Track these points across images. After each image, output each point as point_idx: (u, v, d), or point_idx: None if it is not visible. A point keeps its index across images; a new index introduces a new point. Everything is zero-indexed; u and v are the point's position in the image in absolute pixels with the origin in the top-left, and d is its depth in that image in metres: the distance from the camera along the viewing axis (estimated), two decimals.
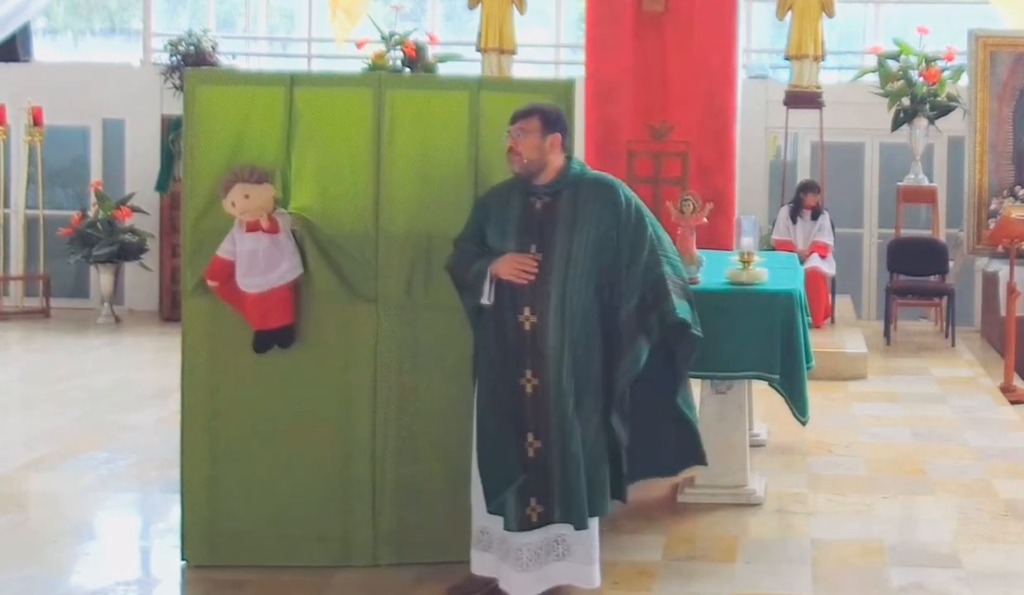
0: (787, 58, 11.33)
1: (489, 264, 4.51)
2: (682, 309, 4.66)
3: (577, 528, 4.52)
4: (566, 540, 4.57)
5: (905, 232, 11.65)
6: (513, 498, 4.49)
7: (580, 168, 4.68)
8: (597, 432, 4.56)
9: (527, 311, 4.49)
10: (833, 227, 10.71)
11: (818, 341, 8.06)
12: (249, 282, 4.85)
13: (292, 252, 4.91)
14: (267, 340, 4.93)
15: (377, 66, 11.52)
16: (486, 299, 4.51)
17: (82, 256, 11.67)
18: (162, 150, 11.99)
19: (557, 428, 4.47)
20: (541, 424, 4.48)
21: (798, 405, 5.93)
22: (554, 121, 4.59)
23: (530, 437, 4.50)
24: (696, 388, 6.16)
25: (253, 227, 4.84)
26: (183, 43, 12.22)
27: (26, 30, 12.81)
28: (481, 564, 4.68)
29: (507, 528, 4.52)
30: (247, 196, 4.81)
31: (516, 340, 4.50)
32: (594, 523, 4.59)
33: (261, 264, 4.84)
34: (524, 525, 4.49)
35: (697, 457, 4.98)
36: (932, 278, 11.19)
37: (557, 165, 4.59)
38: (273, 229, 4.84)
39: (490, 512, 4.54)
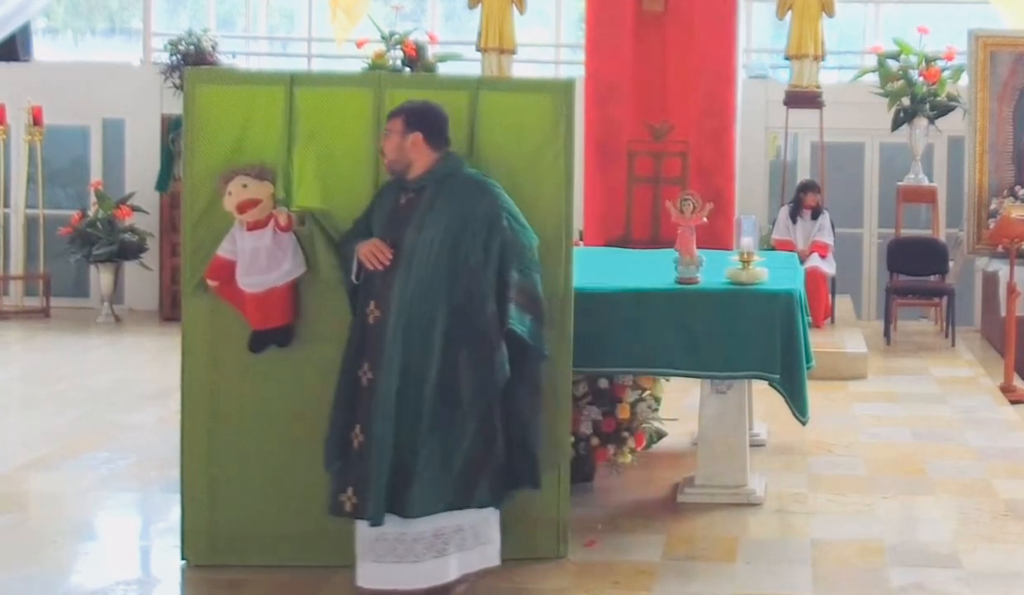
0: (787, 58, 11.33)
1: (357, 245, 4.63)
2: (516, 320, 4.57)
3: (372, 524, 4.48)
4: (461, 531, 4.58)
5: (905, 232, 11.65)
6: (332, 482, 4.57)
7: (454, 167, 4.67)
8: (427, 431, 4.49)
9: (372, 305, 4.56)
10: (833, 227, 10.71)
11: (818, 341, 8.06)
12: (250, 281, 4.85)
13: (295, 251, 4.92)
14: (264, 340, 4.93)
15: (377, 66, 11.52)
16: (354, 279, 4.64)
17: (82, 256, 11.68)
18: (162, 150, 11.99)
19: (379, 423, 4.46)
20: (367, 418, 4.50)
21: (798, 405, 5.92)
22: (416, 120, 4.62)
23: (357, 429, 4.52)
24: (696, 388, 6.19)
25: (255, 226, 4.83)
26: (183, 43, 12.23)
27: (26, 30, 12.82)
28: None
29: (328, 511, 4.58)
30: (245, 186, 4.82)
31: (361, 332, 4.59)
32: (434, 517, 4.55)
33: (263, 262, 4.84)
34: (335, 511, 4.54)
35: (529, 479, 4.73)
36: (932, 278, 11.20)
37: (425, 163, 4.61)
38: (288, 226, 4.84)
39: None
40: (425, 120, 4.63)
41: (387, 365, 4.48)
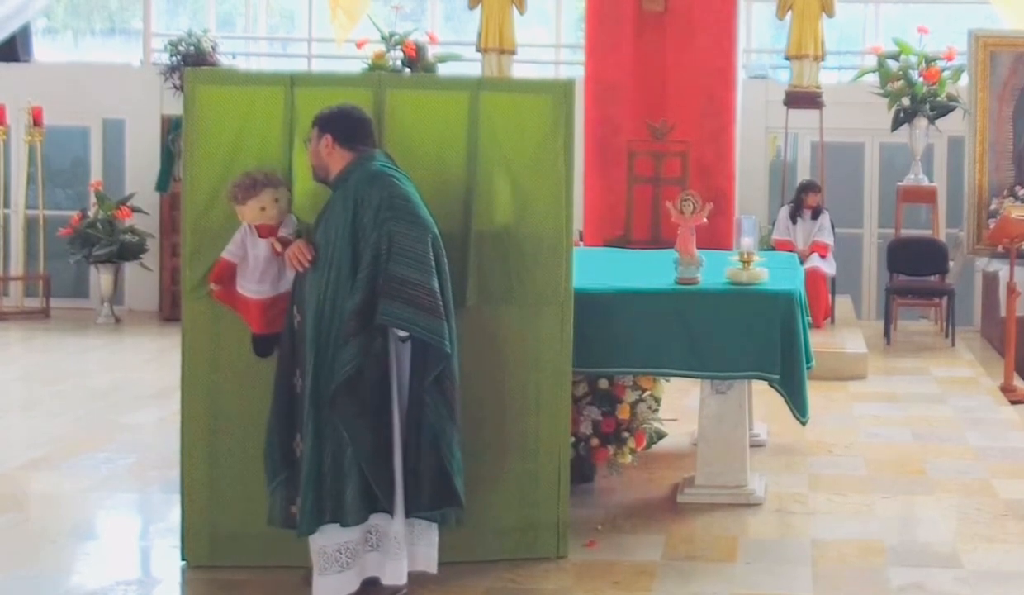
0: (787, 58, 11.33)
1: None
2: (387, 313, 4.37)
3: (300, 535, 4.48)
4: (379, 531, 4.56)
5: (905, 232, 11.66)
6: (278, 494, 4.61)
7: (364, 167, 4.56)
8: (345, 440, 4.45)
9: (295, 309, 4.61)
10: (833, 227, 10.71)
11: (818, 341, 8.06)
12: (261, 289, 4.82)
13: None
14: (268, 344, 4.90)
15: (377, 66, 11.52)
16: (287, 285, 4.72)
17: (82, 256, 11.67)
18: (162, 150, 12.00)
19: (312, 429, 4.44)
20: (303, 425, 4.50)
21: (798, 405, 5.92)
22: (326, 123, 4.61)
23: (298, 437, 4.56)
24: (696, 388, 6.19)
25: (266, 233, 4.81)
26: (183, 43, 12.23)
27: (26, 30, 12.82)
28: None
29: (270, 523, 4.68)
30: (277, 200, 4.81)
31: (289, 338, 4.62)
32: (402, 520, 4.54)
33: (275, 271, 4.82)
34: (288, 523, 4.59)
35: (451, 498, 4.57)
36: (932, 278, 11.20)
37: (339, 165, 4.60)
38: (281, 253, 4.81)
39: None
40: (333, 122, 4.61)
41: (312, 369, 4.46)
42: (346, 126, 4.62)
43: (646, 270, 6.38)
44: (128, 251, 11.67)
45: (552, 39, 13.21)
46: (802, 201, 10.59)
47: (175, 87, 11.74)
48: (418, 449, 4.50)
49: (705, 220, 6.13)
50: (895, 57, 11.60)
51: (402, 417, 4.51)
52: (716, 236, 8.91)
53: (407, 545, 4.58)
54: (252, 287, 4.84)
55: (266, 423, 4.71)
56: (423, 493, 4.52)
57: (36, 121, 11.89)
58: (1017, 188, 10.90)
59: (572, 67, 12.05)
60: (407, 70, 11.60)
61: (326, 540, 4.49)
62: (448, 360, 4.52)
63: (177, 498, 5.15)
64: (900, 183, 11.76)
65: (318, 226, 4.63)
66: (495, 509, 5.09)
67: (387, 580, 4.58)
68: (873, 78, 11.72)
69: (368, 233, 4.44)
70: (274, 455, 4.65)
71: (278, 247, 4.78)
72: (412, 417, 4.51)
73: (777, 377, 5.80)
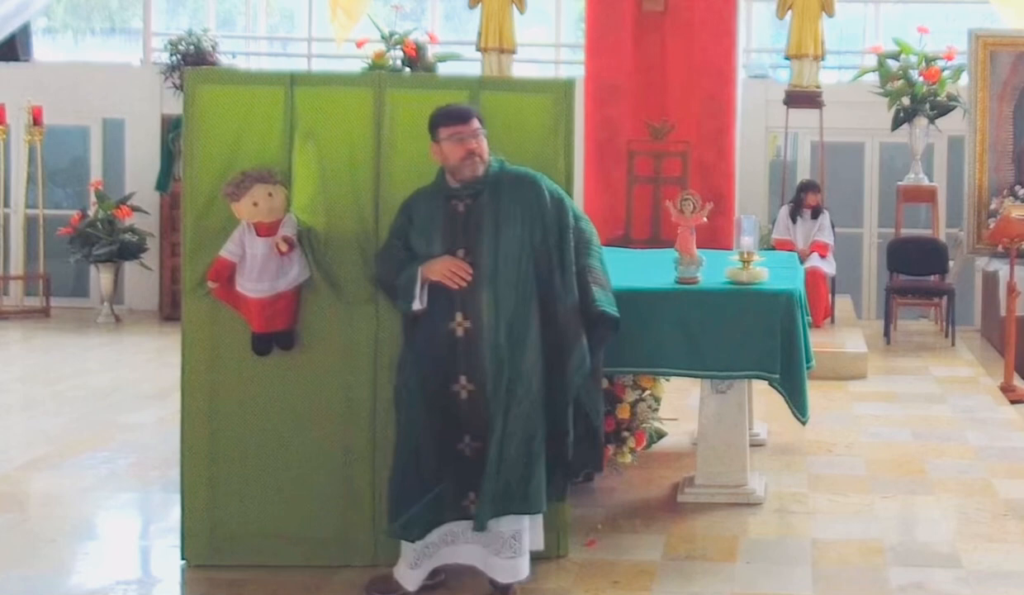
0: (787, 58, 11.33)
1: (420, 267, 4.48)
2: (605, 302, 4.65)
3: (519, 513, 4.54)
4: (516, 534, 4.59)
5: (905, 232, 11.66)
6: (451, 489, 4.52)
7: (499, 166, 4.64)
8: (534, 430, 4.54)
9: (459, 317, 4.47)
10: (833, 227, 10.71)
11: (818, 341, 8.06)
12: (259, 287, 4.83)
13: (300, 256, 4.91)
14: (267, 343, 4.92)
15: (377, 66, 11.52)
16: (418, 304, 4.48)
17: (82, 256, 11.68)
18: (162, 150, 12.01)
19: (498, 429, 4.44)
20: (478, 427, 4.47)
21: (798, 405, 5.92)
22: (482, 121, 4.61)
23: (467, 438, 4.50)
24: (696, 388, 6.19)
25: (265, 231, 4.82)
26: (183, 43, 12.24)
27: (26, 30, 12.83)
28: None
29: (441, 521, 4.54)
30: (271, 194, 4.81)
31: (448, 346, 4.48)
32: (535, 519, 4.66)
33: (274, 268, 4.83)
34: (463, 514, 4.54)
35: (594, 462, 4.85)
36: (932, 278, 11.20)
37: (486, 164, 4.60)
38: (288, 252, 4.82)
39: (390, 535, 4.60)
40: (483, 121, 4.63)
41: (493, 372, 4.44)
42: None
43: (646, 270, 6.38)
44: (128, 251, 11.68)
45: (552, 39, 13.21)
46: (802, 201, 10.59)
47: (175, 87, 11.75)
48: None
49: (705, 220, 6.13)
50: (895, 57, 11.60)
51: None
52: (716, 236, 8.92)
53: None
54: (251, 286, 4.85)
55: (407, 436, 4.55)
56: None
57: (36, 121, 11.90)
58: (1017, 188, 10.91)
59: (572, 67, 12.05)
60: (407, 70, 11.60)
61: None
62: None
63: (177, 498, 5.15)
64: (900, 183, 11.76)
65: (453, 232, 4.50)
66: None
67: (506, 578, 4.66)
68: (873, 78, 11.72)
69: (550, 236, 4.53)
70: (431, 457, 4.51)
71: (283, 247, 4.79)
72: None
73: (777, 377, 5.80)
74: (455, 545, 4.64)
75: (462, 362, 4.48)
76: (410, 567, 4.64)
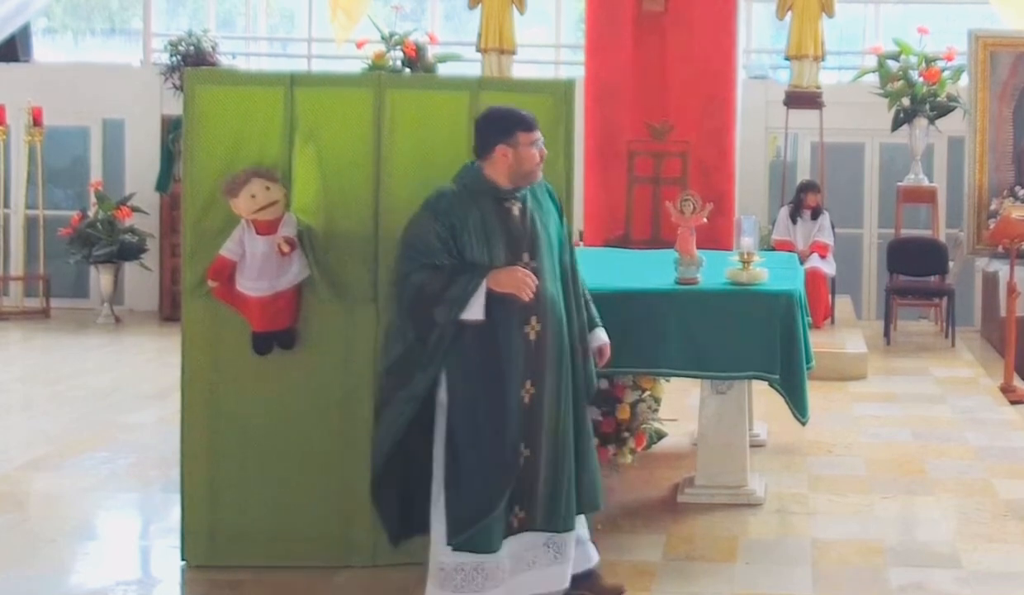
0: (787, 58, 11.33)
1: (483, 278, 4.24)
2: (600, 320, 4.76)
3: (562, 531, 4.45)
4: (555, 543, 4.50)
5: (905, 232, 11.66)
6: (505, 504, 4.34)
7: None
8: (586, 435, 4.56)
9: (533, 321, 4.34)
10: (833, 227, 10.71)
11: (818, 341, 8.05)
12: (259, 286, 4.83)
13: (300, 254, 4.91)
14: (267, 342, 4.92)
15: (377, 66, 11.52)
16: (480, 314, 4.26)
17: (82, 256, 11.68)
18: (162, 150, 12.00)
19: (550, 436, 4.38)
20: (533, 434, 4.35)
21: (798, 405, 5.92)
22: None
23: (521, 446, 4.34)
24: (696, 388, 6.19)
25: (264, 230, 4.82)
26: (183, 43, 12.23)
27: (26, 30, 12.83)
28: None
29: (489, 549, 4.30)
30: (268, 188, 4.81)
31: (520, 351, 4.32)
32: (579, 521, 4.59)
33: (273, 268, 4.83)
34: (507, 532, 4.35)
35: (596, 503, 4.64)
36: (932, 278, 11.20)
37: None
38: (290, 252, 4.82)
39: (453, 547, 4.28)
40: None
41: (554, 376, 4.39)
42: None
43: (646, 270, 6.38)
44: (128, 251, 11.68)
45: (552, 39, 13.21)
46: (802, 201, 10.59)
47: (175, 87, 11.74)
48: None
49: (705, 220, 6.13)
50: (895, 57, 11.60)
51: None
52: (716, 236, 8.91)
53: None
54: (250, 285, 4.85)
55: (488, 444, 4.30)
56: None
57: (36, 121, 11.89)
58: (1017, 188, 10.90)
59: (572, 67, 12.04)
60: (407, 70, 11.60)
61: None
62: None
63: (177, 498, 5.15)
64: (900, 183, 11.76)
65: (511, 237, 4.36)
66: None
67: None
68: (873, 78, 11.72)
69: (566, 247, 4.56)
70: (494, 486, 4.28)
71: (285, 248, 4.79)
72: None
73: (777, 377, 5.80)
74: (523, 572, 4.48)
75: (530, 367, 4.34)
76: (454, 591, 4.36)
